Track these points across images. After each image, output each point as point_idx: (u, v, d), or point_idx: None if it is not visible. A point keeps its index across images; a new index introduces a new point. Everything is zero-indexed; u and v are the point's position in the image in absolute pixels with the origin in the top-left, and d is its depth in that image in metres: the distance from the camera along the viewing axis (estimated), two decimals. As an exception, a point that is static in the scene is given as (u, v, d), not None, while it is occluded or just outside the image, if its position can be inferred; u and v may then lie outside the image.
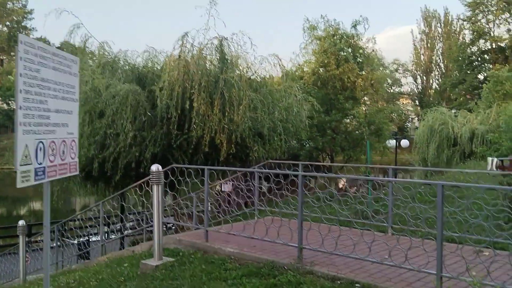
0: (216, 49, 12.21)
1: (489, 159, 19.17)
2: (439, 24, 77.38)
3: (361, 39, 25.18)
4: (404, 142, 30.17)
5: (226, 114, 11.82)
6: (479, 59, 55.40)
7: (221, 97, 11.74)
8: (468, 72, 54.09)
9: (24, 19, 79.74)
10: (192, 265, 6.61)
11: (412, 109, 77.94)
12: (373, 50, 26.08)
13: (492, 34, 53.81)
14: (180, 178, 7.78)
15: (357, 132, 23.73)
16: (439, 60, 78.26)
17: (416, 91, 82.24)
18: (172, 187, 8.11)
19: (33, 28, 79.30)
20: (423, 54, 79.21)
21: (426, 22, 77.90)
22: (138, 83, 12.76)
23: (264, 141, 12.59)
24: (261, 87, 13.69)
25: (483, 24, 53.60)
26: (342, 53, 24.57)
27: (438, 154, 30.57)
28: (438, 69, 78.81)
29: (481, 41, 54.67)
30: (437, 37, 77.60)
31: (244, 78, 12.08)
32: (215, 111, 11.65)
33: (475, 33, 54.05)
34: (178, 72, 11.54)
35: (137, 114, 11.78)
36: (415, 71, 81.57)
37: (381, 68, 28.61)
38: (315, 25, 25.00)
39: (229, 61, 12.39)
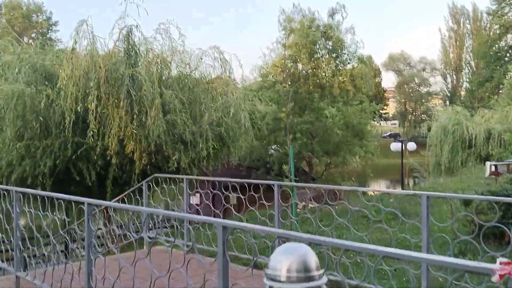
0: (124, 40, 10.26)
1: (487, 164, 16.36)
2: (467, 21, 73.78)
3: (339, 30, 22.47)
4: (411, 145, 27.36)
5: (135, 117, 9.88)
6: (508, 54, 51.48)
7: (128, 97, 9.81)
8: (496, 68, 50.26)
9: (49, 31, 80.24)
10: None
11: (442, 109, 74.32)
12: (357, 42, 23.43)
13: (520, 28, 50.08)
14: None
15: (334, 135, 20.92)
16: (469, 58, 74.47)
17: (446, 90, 78.56)
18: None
19: (58, 39, 79.37)
20: (452, 52, 75.69)
21: (454, 19, 74.52)
22: (47, 83, 10.93)
23: (187, 148, 10.55)
24: (198, 85, 11.74)
25: (510, 17, 49.80)
26: (316, 46, 21.99)
27: (452, 157, 27.70)
28: (469, 67, 75.03)
29: (509, 35, 50.84)
30: (466, 34, 73.88)
31: (156, 74, 10.08)
32: (121, 113, 9.73)
33: (502, 27, 50.30)
34: (74, 67, 9.67)
35: (27, 120, 9.96)
36: (444, 70, 77.98)
37: (359, 64, 25.72)
38: (292, 16, 22.56)
39: (139, 53, 10.43)
